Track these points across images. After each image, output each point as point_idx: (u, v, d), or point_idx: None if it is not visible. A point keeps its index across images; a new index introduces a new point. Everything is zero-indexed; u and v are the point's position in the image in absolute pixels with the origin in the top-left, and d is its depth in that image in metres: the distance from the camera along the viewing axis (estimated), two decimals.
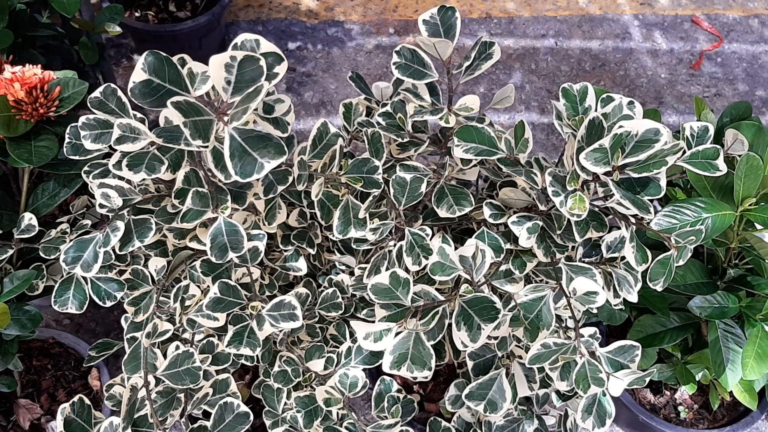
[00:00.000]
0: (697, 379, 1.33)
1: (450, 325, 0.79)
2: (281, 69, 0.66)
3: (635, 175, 0.74)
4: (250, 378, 1.36)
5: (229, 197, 0.79)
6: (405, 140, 0.85)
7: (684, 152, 0.79)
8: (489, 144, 0.82)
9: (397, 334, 0.76)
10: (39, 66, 0.94)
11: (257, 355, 0.92)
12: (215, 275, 0.82)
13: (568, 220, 0.85)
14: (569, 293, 0.83)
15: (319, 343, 0.92)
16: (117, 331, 1.64)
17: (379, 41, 2.30)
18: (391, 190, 0.84)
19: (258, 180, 0.82)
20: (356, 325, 0.77)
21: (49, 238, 0.97)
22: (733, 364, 1.14)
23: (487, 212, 0.89)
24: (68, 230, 1.00)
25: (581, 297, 0.81)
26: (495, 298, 0.77)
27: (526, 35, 2.34)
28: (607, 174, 0.75)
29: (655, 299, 1.21)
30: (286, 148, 0.63)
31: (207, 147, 0.62)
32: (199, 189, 0.73)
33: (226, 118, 0.62)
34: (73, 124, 0.82)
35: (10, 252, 0.93)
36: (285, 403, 1.00)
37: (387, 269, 0.89)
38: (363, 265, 1.00)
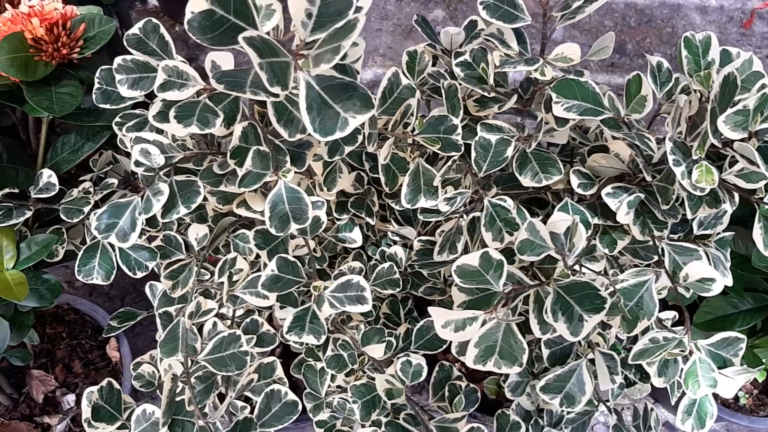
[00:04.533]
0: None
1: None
2: (366, 2, 0.54)
3: None
4: (280, 352, 1.25)
5: (288, 158, 0.67)
6: (490, 95, 0.73)
7: None
8: (593, 102, 0.69)
9: (484, 323, 0.65)
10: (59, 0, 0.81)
11: None
12: (271, 248, 0.71)
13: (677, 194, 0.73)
14: (679, 279, 0.72)
15: (378, 327, 0.81)
16: (133, 295, 1.53)
17: None
18: (473, 154, 0.72)
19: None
20: (434, 312, 0.66)
21: (70, 198, 0.85)
22: None
23: (575, 181, 0.78)
24: (91, 190, 0.88)
25: (693, 284, 0.70)
26: (598, 285, 0.66)
27: None
28: (743, 141, 0.63)
29: None
30: (374, 100, 0.52)
31: (281, 96, 0.50)
32: (260, 148, 0.61)
33: (302, 62, 0.50)
34: (104, 67, 0.70)
35: (28, 214, 0.81)
36: (329, 386, 0.90)
37: (465, 246, 0.78)
38: (423, 238, 0.89)
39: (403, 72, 0.87)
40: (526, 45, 0.77)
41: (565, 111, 0.69)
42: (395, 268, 0.87)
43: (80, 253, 0.83)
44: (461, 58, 0.77)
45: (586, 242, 0.77)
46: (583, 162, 0.85)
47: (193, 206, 0.65)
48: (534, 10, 0.89)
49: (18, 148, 0.87)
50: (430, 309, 0.68)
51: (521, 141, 0.76)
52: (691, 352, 0.70)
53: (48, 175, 0.84)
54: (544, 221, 0.91)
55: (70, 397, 1.17)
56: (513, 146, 0.72)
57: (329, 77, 0.51)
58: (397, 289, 0.86)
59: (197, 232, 0.77)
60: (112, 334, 1.08)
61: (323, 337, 0.70)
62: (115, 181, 0.88)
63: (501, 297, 0.65)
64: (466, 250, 0.81)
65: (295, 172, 0.74)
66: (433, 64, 0.88)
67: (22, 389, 1.18)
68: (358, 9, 0.51)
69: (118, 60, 0.64)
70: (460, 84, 0.75)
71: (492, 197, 0.77)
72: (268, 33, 0.59)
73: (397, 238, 0.95)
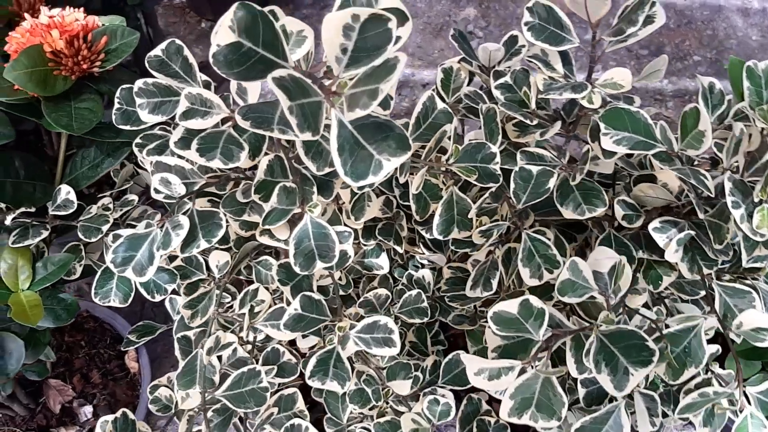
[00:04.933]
0: None
1: None
2: (405, 31, 0.49)
3: None
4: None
5: (315, 188, 0.63)
6: (532, 123, 0.68)
7: None
8: (645, 134, 0.64)
9: (521, 372, 0.61)
10: (81, 9, 0.77)
11: None
12: (294, 284, 0.67)
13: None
14: (730, 324, 0.67)
15: (404, 362, 0.77)
16: (152, 303, 1.51)
17: None
18: (512, 185, 0.68)
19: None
20: (467, 360, 0.61)
21: (89, 216, 0.82)
22: None
23: (620, 212, 0.73)
24: (111, 206, 0.85)
25: (747, 332, 0.65)
26: (645, 334, 0.61)
27: None
28: None
29: None
30: (411, 141, 0.47)
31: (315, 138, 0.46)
32: (287, 184, 0.57)
33: (338, 101, 0.46)
34: (124, 86, 0.66)
35: (44, 234, 0.78)
36: (351, 412, 0.86)
37: (499, 281, 0.73)
38: (454, 265, 0.85)
39: (437, 90, 0.83)
40: (571, 67, 0.72)
41: (614, 144, 0.64)
42: (423, 295, 0.83)
43: (97, 275, 0.80)
44: (501, 80, 0.72)
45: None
46: (628, 190, 0.80)
47: (215, 240, 0.62)
48: (579, 24, 0.84)
49: (36, 162, 0.84)
50: (463, 356, 0.64)
51: (564, 169, 0.71)
52: (741, 409, 0.65)
53: (66, 192, 0.81)
54: (583, 251, 0.87)
55: (88, 409, 1.15)
56: (555, 178, 0.67)
57: (363, 116, 0.47)
58: (425, 319, 0.82)
59: (218, 259, 0.74)
60: (131, 348, 1.05)
61: (348, 384, 0.66)
62: (135, 197, 0.85)
63: (540, 345, 0.61)
64: (500, 284, 0.76)
65: (327, 202, 0.70)
66: (469, 81, 0.83)
67: (39, 399, 1.16)
68: (397, 39, 0.47)
69: (138, 83, 0.60)
70: (499, 107, 0.71)
71: (530, 228, 0.73)
72: (297, 61, 0.55)
73: (425, 261, 0.91)
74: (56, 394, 1.15)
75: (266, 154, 0.58)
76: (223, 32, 0.45)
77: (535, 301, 0.59)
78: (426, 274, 0.90)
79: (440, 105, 0.68)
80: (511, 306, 0.59)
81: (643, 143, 0.64)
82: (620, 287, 0.65)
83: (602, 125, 0.65)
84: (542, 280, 0.69)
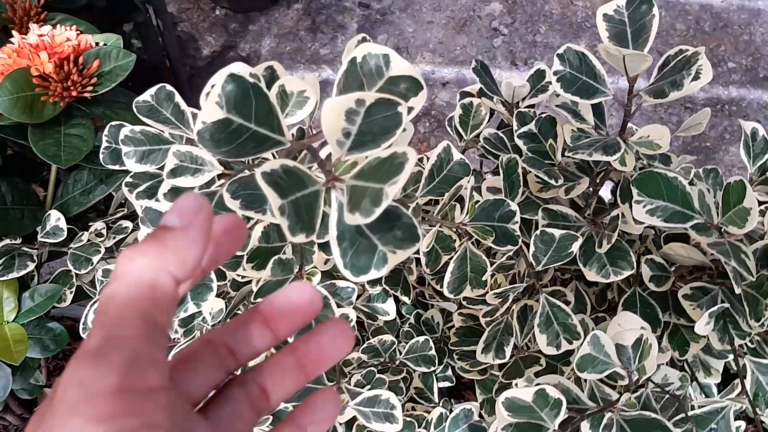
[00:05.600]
0: None
1: None
2: (418, 101, 0.43)
3: None
4: None
5: (315, 248, 0.58)
6: (557, 183, 0.62)
7: None
8: (682, 203, 0.58)
9: None
10: (73, 27, 0.72)
11: None
12: None
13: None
14: (761, 404, 0.62)
15: (408, 419, 0.72)
16: None
17: None
18: (531, 248, 0.62)
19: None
20: None
21: (80, 243, 0.78)
22: None
23: (647, 273, 0.67)
24: (104, 232, 0.80)
25: None
26: (670, 425, 0.56)
27: None
28: None
29: None
30: (419, 231, 0.42)
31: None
32: (282, 257, 0.52)
33: (337, 190, 0.40)
34: (114, 123, 0.61)
35: (30, 267, 0.74)
36: None
37: (514, 347, 0.68)
38: (465, 312, 0.79)
39: (455, 126, 0.77)
40: (603, 117, 0.65)
41: (648, 214, 0.58)
42: (430, 342, 0.78)
43: (87, 309, 0.75)
44: (525, 128, 0.66)
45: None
46: (657, 245, 0.74)
47: (205, 303, 0.57)
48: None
49: (24, 187, 0.79)
50: None
51: (589, 229, 0.65)
52: None
53: (56, 218, 0.77)
54: (604, 294, 0.81)
55: None
56: (579, 242, 0.61)
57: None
58: (432, 368, 0.77)
59: (212, 306, 0.69)
60: None
61: None
62: (129, 225, 0.80)
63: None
64: (514, 344, 0.71)
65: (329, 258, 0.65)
66: (490, 117, 0.77)
67: (34, 407, 1.13)
68: (410, 110, 0.41)
69: (125, 131, 0.55)
70: (521, 160, 0.65)
71: (548, 291, 0.67)
72: (294, 126, 0.49)
73: (434, 302, 0.86)
74: None
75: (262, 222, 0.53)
76: (210, 108, 0.39)
77: (552, 391, 0.54)
78: (435, 314, 0.85)
79: (456, 156, 0.62)
80: (525, 394, 0.54)
81: (680, 214, 0.58)
82: (645, 368, 0.59)
83: (635, 191, 0.59)
84: (560, 350, 0.63)
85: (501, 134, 0.71)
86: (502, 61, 1.85)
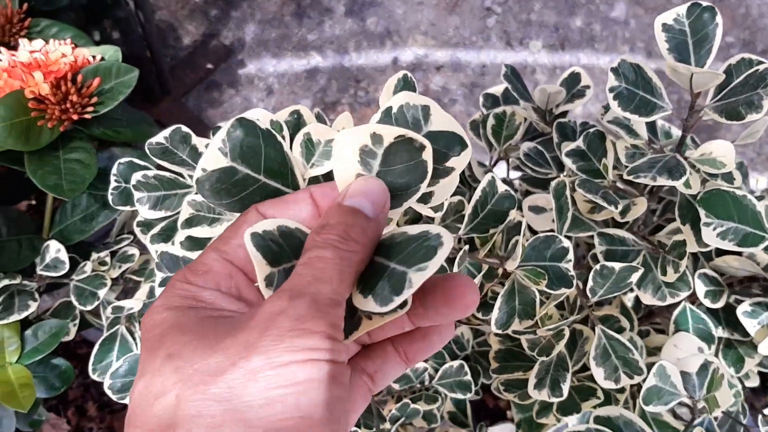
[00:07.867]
0: None
1: None
2: (460, 162, 0.35)
3: None
4: None
5: None
6: (618, 210, 0.57)
7: None
8: (754, 224, 0.54)
9: None
10: (68, 41, 0.65)
11: None
12: None
13: None
14: None
15: None
16: None
17: None
18: (589, 282, 0.57)
19: None
20: None
21: (83, 275, 0.72)
22: None
23: (701, 288, 0.63)
24: (108, 260, 0.74)
25: None
26: None
27: None
28: None
29: None
30: (447, 246, 0.35)
31: None
32: None
33: None
34: (122, 160, 0.55)
35: (32, 307, 0.67)
36: None
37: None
38: (502, 333, 0.75)
39: (487, 137, 0.72)
40: (656, 130, 0.61)
41: (719, 238, 0.53)
42: (466, 367, 0.74)
43: (95, 348, 0.69)
44: (573, 146, 0.61)
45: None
46: (708, 258, 0.70)
47: None
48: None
49: (19, 215, 0.72)
50: None
51: (649, 252, 0.61)
52: None
53: (56, 250, 0.70)
54: (647, 333, 0.77)
55: None
56: (639, 274, 0.56)
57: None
58: (468, 395, 0.73)
59: None
60: None
61: None
62: (136, 252, 0.74)
63: None
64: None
65: None
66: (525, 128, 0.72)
67: None
68: (448, 171, 0.35)
69: (137, 176, 0.49)
70: (569, 181, 0.60)
71: (600, 316, 0.63)
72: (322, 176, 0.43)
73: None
74: (50, 429, 1.07)
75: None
76: (212, 155, 0.33)
77: None
78: (465, 330, 0.81)
79: (501, 188, 0.56)
80: None
81: (752, 236, 0.54)
82: (717, 400, 0.56)
83: (703, 212, 0.54)
84: (619, 384, 0.59)
85: (540, 148, 0.66)
86: (497, 41, 1.79)
